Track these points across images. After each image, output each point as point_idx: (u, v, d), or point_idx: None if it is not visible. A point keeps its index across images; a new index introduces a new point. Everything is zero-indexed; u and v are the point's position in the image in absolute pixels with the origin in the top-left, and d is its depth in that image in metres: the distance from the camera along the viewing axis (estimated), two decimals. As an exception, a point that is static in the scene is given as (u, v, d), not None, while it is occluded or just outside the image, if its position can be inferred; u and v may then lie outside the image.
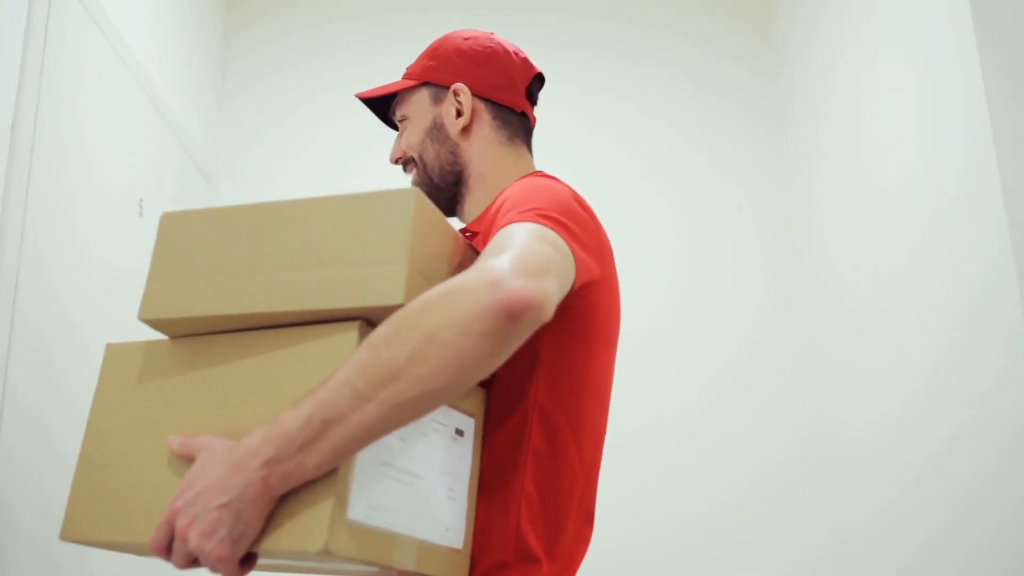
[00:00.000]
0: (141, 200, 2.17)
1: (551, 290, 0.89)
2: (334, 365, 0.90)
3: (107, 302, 1.97)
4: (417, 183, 1.33)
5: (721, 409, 2.72)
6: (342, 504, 0.87)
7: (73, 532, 1.01)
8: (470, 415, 1.07)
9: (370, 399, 0.84)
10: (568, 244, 1.00)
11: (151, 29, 2.34)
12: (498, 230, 1.00)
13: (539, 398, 1.09)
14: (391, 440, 0.93)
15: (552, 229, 0.99)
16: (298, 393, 0.91)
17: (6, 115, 1.57)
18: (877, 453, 2.37)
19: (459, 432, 1.05)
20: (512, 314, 0.83)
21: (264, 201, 1.03)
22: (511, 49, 1.34)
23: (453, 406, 1.04)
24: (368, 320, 0.94)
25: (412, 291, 0.92)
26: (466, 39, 1.33)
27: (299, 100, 3.01)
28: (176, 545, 0.89)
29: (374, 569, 0.98)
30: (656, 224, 2.89)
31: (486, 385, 1.10)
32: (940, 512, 2.04)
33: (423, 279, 0.95)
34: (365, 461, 0.91)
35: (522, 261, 0.88)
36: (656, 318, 2.75)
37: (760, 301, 2.82)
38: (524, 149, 1.33)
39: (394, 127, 1.41)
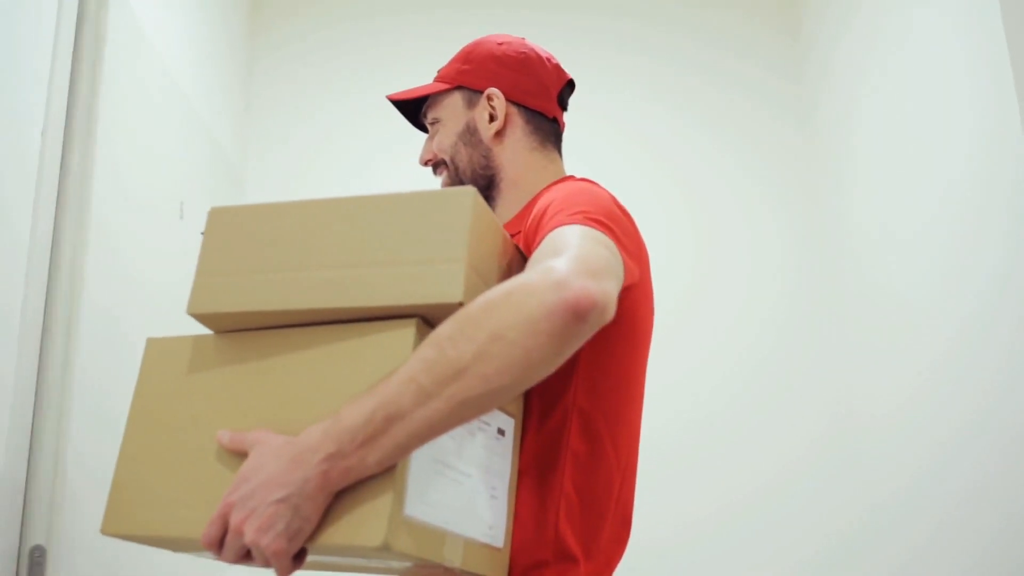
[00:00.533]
0: (182, 203, 2.16)
1: (613, 291, 0.90)
2: (390, 362, 0.91)
3: (153, 306, 1.96)
4: (447, 185, 1.34)
5: (745, 399, 2.77)
6: (400, 500, 0.88)
7: (114, 526, 1.01)
8: (511, 416, 1.08)
9: (435, 396, 0.85)
10: (616, 247, 1.02)
11: (177, 30, 2.33)
12: (547, 232, 1.02)
13: (578, 400, 1.10)
14: (444, 439, 0.94)
15: (601, 232, 1.01)
16: (352, 389, 0.91)
17: (36, 119, 1.56)
18: (903, 431, 2.42)
19: (501, 432, 1.06)
20: (579, 314, 0.84)
21: (317, 198, 1.03)
22: (544, 55, 1.36)
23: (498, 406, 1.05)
24: (423, 318, 0.95)
25: (470, 289, 0.92)
26: (500, 44, 1.34)
27: (325, 100, 3.02)
28: (230, 539, 0.89)
29: (406, 565, 0.98)
30: (678, 219, 2.92)
31: None
32: (966, 487, 2.08)
33: (478, 278, 0.95)
34: (420, 459, 0.91)
35: (583, 262, 0.90)
36: (677, 311, 2.77)
37: (780, 293, 2.87)
38: (555, 154, 1.35)
39: (422, 128, 1.42)
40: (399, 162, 2.11)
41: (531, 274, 0.88)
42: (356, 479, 0.87)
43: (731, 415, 2.76)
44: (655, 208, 2.86)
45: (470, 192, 0.97)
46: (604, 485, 1.11)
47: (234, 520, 0.88)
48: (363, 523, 0.87)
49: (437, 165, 1.36)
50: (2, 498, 1.46)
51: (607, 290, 0.88)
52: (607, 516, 1.11)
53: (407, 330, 0.93)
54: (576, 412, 1.09)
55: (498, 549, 1.04)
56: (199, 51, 2.50)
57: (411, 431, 0.85)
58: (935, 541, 2.24)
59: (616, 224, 1.07)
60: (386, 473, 0.88)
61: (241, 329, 1.02)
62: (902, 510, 2.43)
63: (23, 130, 1.52)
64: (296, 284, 0.98)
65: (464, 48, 1.37)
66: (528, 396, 1.10)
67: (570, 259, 0.90)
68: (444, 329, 0.87)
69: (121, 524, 1.00)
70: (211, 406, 1.00)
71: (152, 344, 1.07)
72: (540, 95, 1.33)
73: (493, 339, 0.84)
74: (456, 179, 1.33)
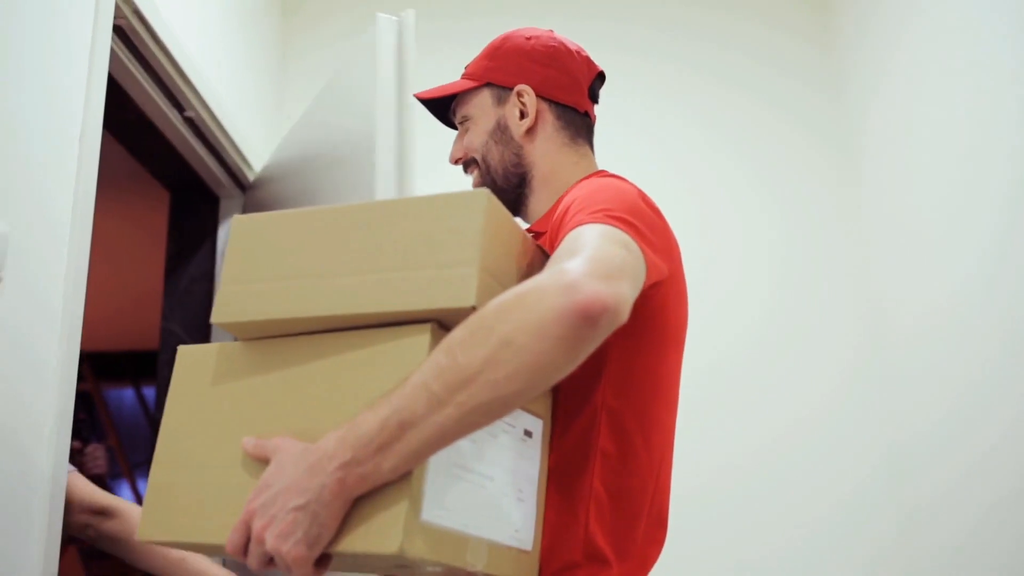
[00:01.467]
0: None
1: (627, 292, 0.88)
2: (406, 367, 0.91)
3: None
4: (479, 184, 1.33)
5: (775, 329, 2.78)
6: (416, 506, 0.88)
7: (149, 533, 1.03)
8: (538, 416, 1.07)
9: (446, 403, 0.84)
10: (638, 245, 0.99)
11: (209, 30, 2.37)
12: (567, 231, 1.00)
13: (607, 399, 1.08)
14: (463, 442, 0.93)
15: (622, 230, 0.99)
16: (371, 395, 0.91)
17: (74, 124, 1.59)
18: (938, 354, 2.38)
19: (528, 433, 1.05)
20: (590, 317, 0.83)
21: (334, 204, 1.03)
22: (573, 48, 1.33)
23: (522, 408, 1.03)
24: (440, 322, 0.94)
25: (483, 293, 0.92)
26: (528, 38, 1.32)
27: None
28: (252, 546, 0.89)
29: (438, 569, 0.98)
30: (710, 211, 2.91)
31: (554, 386, 1.09)
32: (1015, 408, 2.02)
33: (494, 281, 0.94)
34: (438, 463, 0.91)
35: (597, 263, 0.88)
36: (702, 262, 2.72)
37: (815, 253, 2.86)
38: (587, 149, 1.33)
39: (452, 126, 1.41)
40: (436, 163, 2.11)
41: (543, 277, 0.87)
42: (372, 486, 0.87)
43: (763, 347, 2.75)
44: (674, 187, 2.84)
45: (483, 194, 0.96)
46: (637, 485, 1.09)
47: (255, 527, 0.89)
48: (379, 530, 0.87)
49: (468, 164, 1.35)
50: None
51: (620, 292, 0.86)
52: (640, 516, 1.09)
53: (422, 335, 0.93)
54: (605, 411, 1.08)
55: (526, 552, 1.03)
56: (231, 51, 2.52)
57: (424, 438, 0.85)
58: (979, 468, 2.17)
59: (641, 220, 1.05)
60: (403, 479, 0.88)
61: (265, 336, 1.03)
62: (941, 438, 2.37)
63: (62, 135, 1.55)
64: (316, 291, 0.99)
65: (492, 43, 1.35)
66: (556, 396, 1.09)
67: (584, 261, 0.88)
68: (457, 334, 0.87)
69: (156, 531, 1.02)
70: (236, 413, 1.01)
71: (183, 352, 1.09)
72: (570, 89, 1.31)
73: (503, 344, 0.83)
74: (487, 177, 1.32)
